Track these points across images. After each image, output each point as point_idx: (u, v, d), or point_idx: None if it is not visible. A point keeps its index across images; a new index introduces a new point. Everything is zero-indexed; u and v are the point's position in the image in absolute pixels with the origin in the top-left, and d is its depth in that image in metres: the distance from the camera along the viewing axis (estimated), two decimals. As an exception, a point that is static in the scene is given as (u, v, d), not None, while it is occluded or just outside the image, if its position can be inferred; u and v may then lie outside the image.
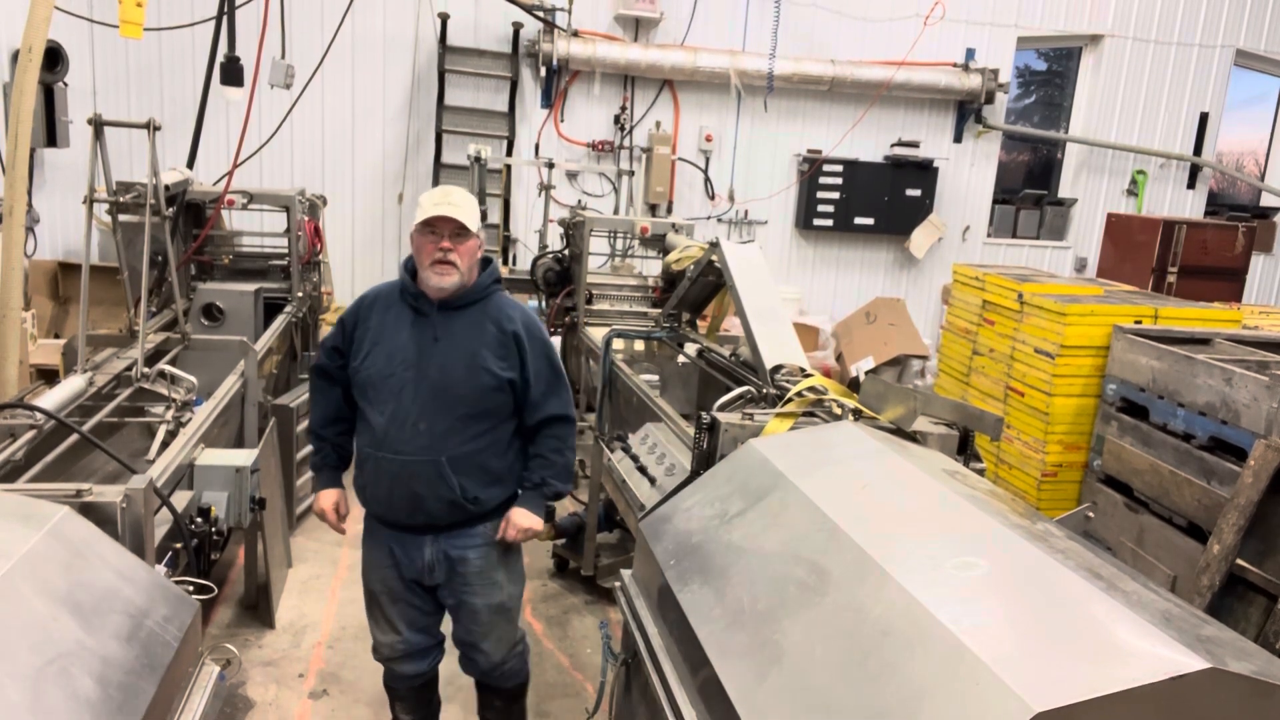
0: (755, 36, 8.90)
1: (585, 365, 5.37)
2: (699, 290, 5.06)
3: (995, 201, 10.05)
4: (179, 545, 2.72)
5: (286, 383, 5.71)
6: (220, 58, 6.37)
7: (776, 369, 3.39)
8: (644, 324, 5.33)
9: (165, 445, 3.24)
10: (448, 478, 2.75)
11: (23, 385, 3.80)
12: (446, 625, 3.10)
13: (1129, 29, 9.78)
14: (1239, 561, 3.71)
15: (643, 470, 3.58)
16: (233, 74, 6.27)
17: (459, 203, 2.75)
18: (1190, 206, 10.35)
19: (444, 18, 8.31)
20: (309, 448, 5.09)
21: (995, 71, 9.29)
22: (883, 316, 8.64)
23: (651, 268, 7.08)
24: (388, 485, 2.82)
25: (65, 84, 6.69)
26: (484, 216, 6.23)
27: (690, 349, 4.96)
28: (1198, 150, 10.21)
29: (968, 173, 9.75)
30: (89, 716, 1.70)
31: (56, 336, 6.54)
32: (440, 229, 2.73)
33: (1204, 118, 10.15)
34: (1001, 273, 6.16)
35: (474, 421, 2.77)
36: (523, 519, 2.88)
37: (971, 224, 9.90)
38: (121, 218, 4.22)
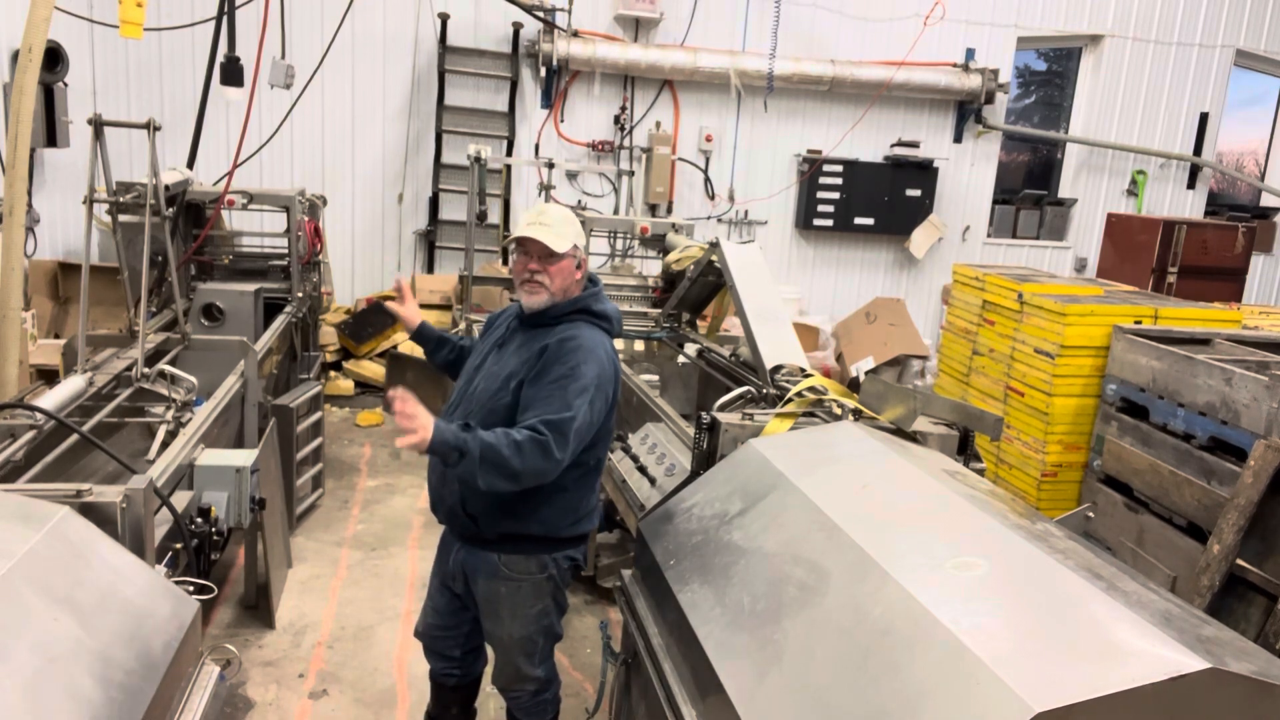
0: (755, 36, 8.91)
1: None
2: (699, 290, 5.06)
3: (995, 201, 10.05)
4: (179, 545, 2.72)
5: (286, 383, 5.71)
6: (220, 58, 6.38)
7: (776, 369, 3.40)
8: (644, 324, 5.32)
9: (165, 445, 3.24)
10: (450, 482, 2.74)
11: (23, 385, 3.80)
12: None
13: (1129, 29, 9.78)
14: (1239, 561, 3.71)
15: (643, 470, 3.59)
16: (233, 74, 6.28)
17: (550, 223, 2.70)
18: (1190, 206, 10.36)
19: (444, 18, 8.32)
20: (309, 447, 5.13)
21: (995, 71, 9.29)
22: (883, 316, 8.64)
23: (651, 268, 7.09)
24: (429, 475, 2.88)
25: (65, 84, 6.69)
26: (483, 217, 6.25)
27: (690, 349, 4.97)
28: (1198, 150, 10.21)
29: (968, 173, 9.76)
30: (89, 716, 1.70)
31: (56, 336, 6.55)
32: (530, 249, 2.70)
33: (1204, 118, 10.15)
34: (1001, 273, 6.16)
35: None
36: (424, 418, 2.38)
37: (971, 224, 9.90)
38: (121, 218, 4.22)
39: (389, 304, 3.18)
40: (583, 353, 2.64)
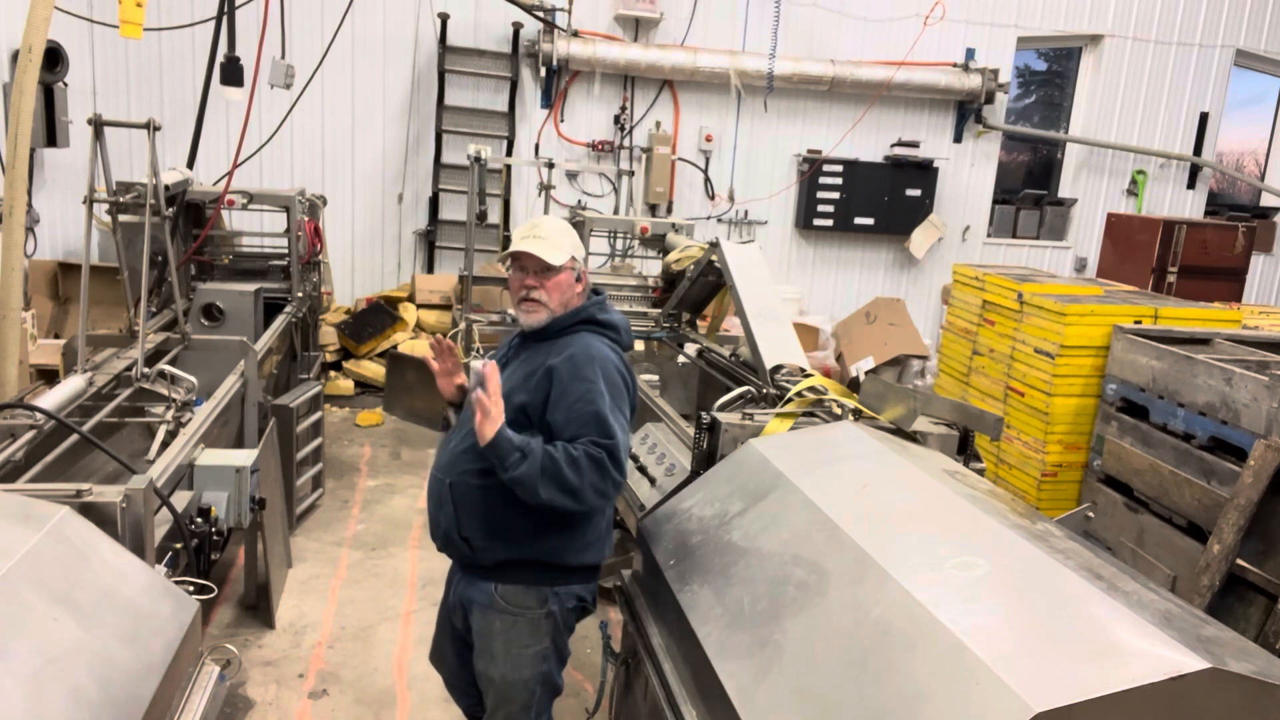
0: (755, 36, 8.90)
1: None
2: (699, 290, 5.06)
3: (995, 201, 10.05)
4: (179, 545, 2.72)
5: (286, 383, 5.71)
6: (220, 58, 6.37)
7: (776, 369, 3.40)
8: (644, 324, 5.32)
9: (165, 445, 3.24)
10: (446, 504, 2.58)
11: (23, 385, 3.80)
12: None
13: (1129, 29, 9.78)
14: (1239, 561, 3.71)
15: (643, 470, 3.59)
16: (233, 74, 6.27)
17: (545, 235, 2.55)
18: (1190, 206, 10.35)
19: (444, 18, 8.31)
20: (309, 447, 5.13)
21: (995, 71, 9.29)
22: (883, 316, 8.64)
23: (651, 268, 7.09)
24: (428, 499, 2.72)
25: (65, 84, 6.69)
26: (483, 217, 6.24)
27: (690, 349, 4.97)
28: (1198, 150, 10.21)
29: (968, 173, 9.75)
30: (89, 716, 1.70)
31: (56, 336, 6.55)
32: (526, 264, 2.56)
33: (1204, 118, 10.15)
34: (1001, 273, 6.16)
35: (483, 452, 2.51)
36: (502, 410, 2.36)
37: (971, 224, 9.90)
38: (121, 218, 4.22)
39: (440, 374, 2.75)
40: (595, 365, 2.49)
